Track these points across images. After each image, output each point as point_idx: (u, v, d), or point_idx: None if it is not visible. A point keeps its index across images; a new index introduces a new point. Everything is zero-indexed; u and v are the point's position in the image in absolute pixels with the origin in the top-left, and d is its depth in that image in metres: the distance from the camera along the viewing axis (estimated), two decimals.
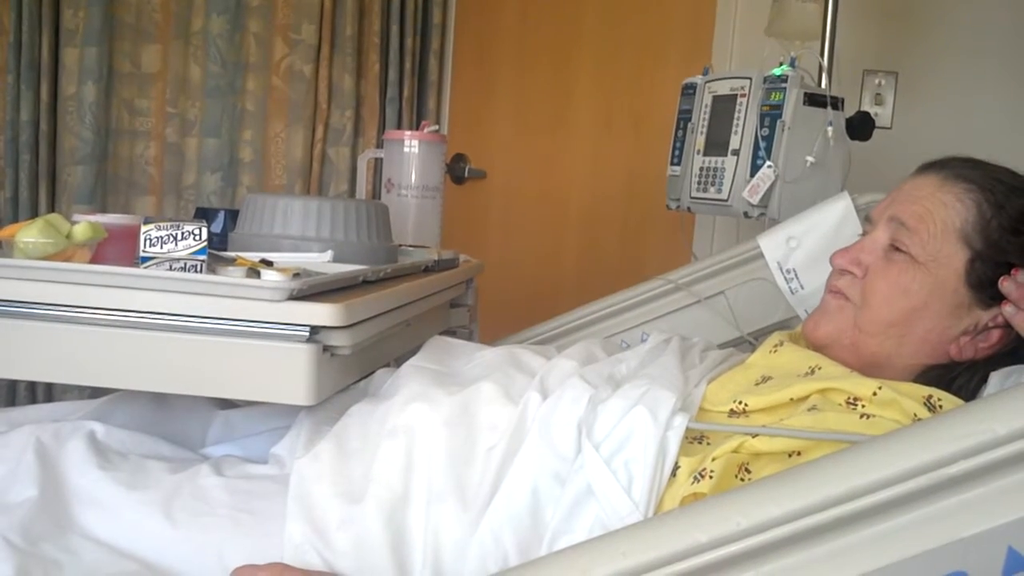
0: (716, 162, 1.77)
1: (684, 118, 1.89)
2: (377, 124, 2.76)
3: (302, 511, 0.99)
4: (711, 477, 0.93)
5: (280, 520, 0.99)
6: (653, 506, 0.94)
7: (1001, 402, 0.71)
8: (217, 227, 1.47)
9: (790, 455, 0.96)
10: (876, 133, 1.87)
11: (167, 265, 1.01)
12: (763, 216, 1.70)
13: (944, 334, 1.12)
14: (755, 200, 1.68)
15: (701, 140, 1.82)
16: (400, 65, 2.77)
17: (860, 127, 1.80)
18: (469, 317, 1.70)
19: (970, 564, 0.69)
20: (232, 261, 1.09)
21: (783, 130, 1.67)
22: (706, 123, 1.82)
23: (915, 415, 0.98)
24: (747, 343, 1.55)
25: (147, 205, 2.68)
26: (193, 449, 1.20)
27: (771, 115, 1.68)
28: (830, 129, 1.68)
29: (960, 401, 1.03)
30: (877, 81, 2.40)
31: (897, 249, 1.14)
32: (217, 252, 1.15)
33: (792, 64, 1.70)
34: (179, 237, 1.02)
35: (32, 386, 2.54)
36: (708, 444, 1.00)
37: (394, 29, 2.74)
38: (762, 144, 1.68)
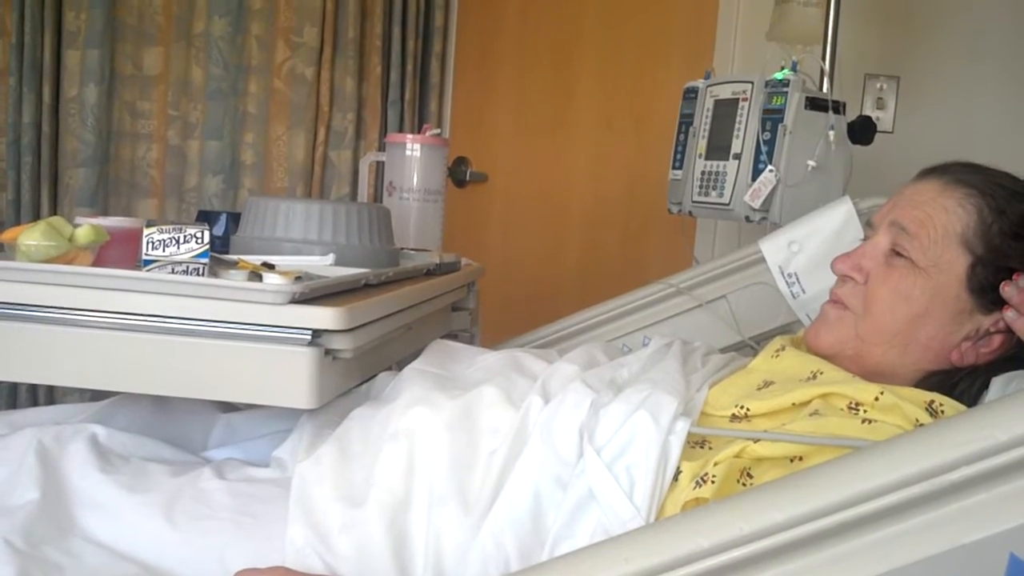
0: (718, 166, 1.77)
1: (686, 122, 1.89)
2: (379, 127, 2.76)
3: (304, 514, 0.99)
4: (713, 482, 0.93)
5: (282, 524, 0.99)
6: (655, 511, 0.94)
7: (1003, 408, 0.71)
8: (219, 230, 1.47)
9: (792, 460, 0.96)
10: (878, 137, 1.87)
11: (169, 268, 1.01)
12: (764, 220, 1.70)
13: (946, 340, 1.12)
14: (757, 204, 1.68)
15: (703, 144, 1.82)
16: (402, 68, 2.77)
17: (862, 131, 1.80)
18: (470, 321, 1.70)
19: (972, 570, 0.69)
20: (234, 264, 1.09)
21: (785, 134, 1.67)
22: (708, 127, 1.82)
23: (917, 420, 0.98)
24: (749, 347, 1.55)
25: (149, 207, 2.68)
26: (195, 452, 1.20)
27: (773, 119, 1.68)
28: (832, 133, 1.68)
29: (962, 406, 1.03)
30: (879, 85, 2.40)
31: (898, 254, 1.14)
32: (219, 255, 1.15)
33: (794, 68, 1.70)
34: (181, 240, 1.02)
35: (33, 389, 2.54)
36: (710, 449, 1.00)
37: (396, 32, 2.75)
38: (764, 148, 1.68)
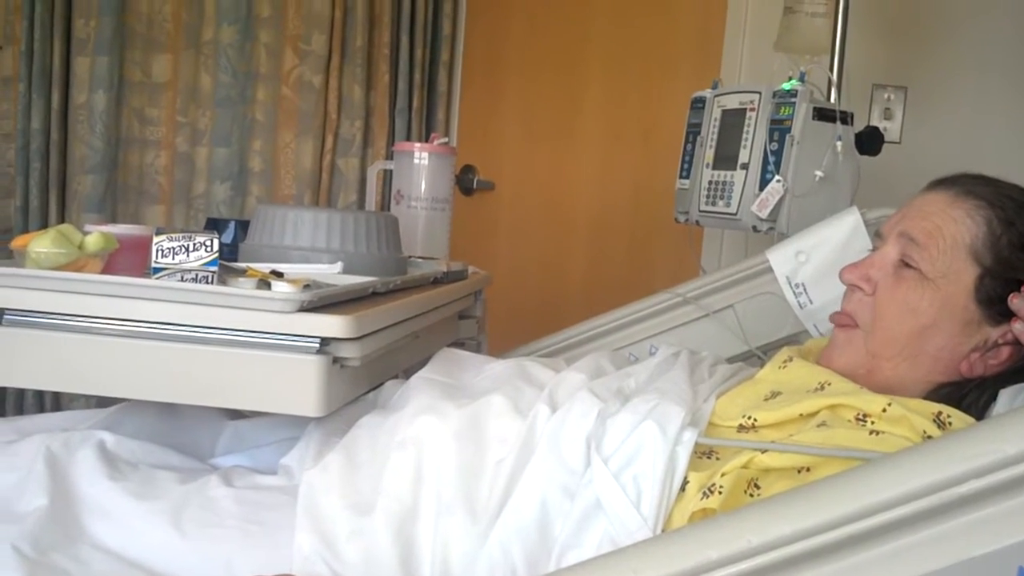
0: (725, 176, 1.77)
1: (693, 132, 1.89)
2: (386, 135, 2.77)
3: (311, 522, 0.99)
4: (720, 492, 0.93)
5: (289, 531, 0.99)
6: (662, 521, 0.94)
7: (1011, 422, 0.71)
8: (227, 238, 1.48)
9: (799, 471, 0.96)
10: (885, 148, 1.87)
11: (179, 276, 1.02)
12: (772, 230, 1.70)
13: (955, 351, 1.12)
14: (764, 214, 1.68)
15: (710, 154, 1.83)
16: (410, 76, 2.78)
17: (869, 142, 1.80)
18: (477, 329, 1.70)
19: None
20: (243, 272, 1.10)
21: (792, 144, 1.67)
22: (715, 137, 1.82)
23: (925, 432, 0.98)
24: (756, 357, 1.54)
25: (156, 214, 2.69)
26: (202, 459, 1.20)
27: (780, 129, 1.68)
28: (839, 144, 1.68)
29: (969, 418, 1.03)
30: (886, 96, 2.40)
31: (907, 265, 1.14)
32: (228, 263, 1.15)
33: (801, 78, 1.70)
34: (191, 248, 1.02)
35: (40, 395, 2.55)
36: (717, 459, 1.00)
37: (404, 40, 2.75)
38: (771, 158, 1.68)
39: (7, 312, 1.01)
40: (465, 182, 2.92)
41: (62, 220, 2.53)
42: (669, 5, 2.65)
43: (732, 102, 1.80)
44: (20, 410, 2.53)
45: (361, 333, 1.01)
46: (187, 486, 1.07)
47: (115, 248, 1.06)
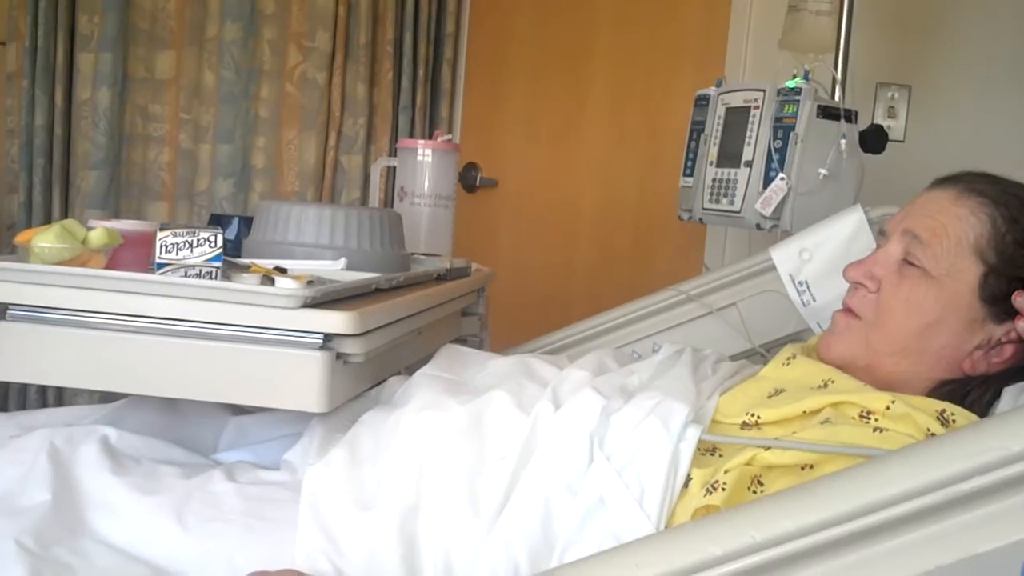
0: (729, 174, 1.77)
1: (697, 129, 1.89)
2: (390, 132, 2.77)
3: (314, 518, 0.99)
4: (723, 489, 0.93)
5: (292, 527, 0.99)
6: (665, 518, 0.94)
7: (1016, 419, 0.71)
8: (231, 234, 1.48)
9: (803, 468, 0.96)
10: (889, 146, 1.86)
11: (182, 271, 1.02)
12: (775, 228, 1.70)
13: (959, 349, 1.12)
14: (768, 212, 1.68)
15: (714, 151, 1.82)
16: (413, 73, 2.78)
17: (873, 140, 1.80)
18: (480, 326, 1.70)
19: None
20: (246, 268, 1.10)
21: (796, 142, 1.67)
22: (719, 134, 1.82)
23: (928, 430, 0.98)
24: (759, 355, 1.54)
25: (160, 210, 2.69)
26: (205, 455, 1.20)
27: (784, 127, 1.68)
28: (843, 142, 1.68)
29: (973, 416, 1.03)
30: (890, 94, 2.40)
31: (911, 263, 1.14)
32: (231, 259, 1.15)
33: (805, 77, 1.70)
34: (195, 244, 1.02)
35: (43, 390, 2.55)
36: (720, 456, 1.00)
37: (407, 37, 2.75)
38: (775, 156, 1.68)
39: (10, 307, 1.01)
40: (468, 179, 2.92)
41: (65, 216, 2.53)
42: (674, 3, 2.65)
43: (736, 100, 1.80)
44: (23, 405, 2.53)
45: (364, 329, 1.01)
46: (190, 481, 1.07)
47: (119, 244, 1.06)
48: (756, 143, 1.72)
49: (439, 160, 1.69)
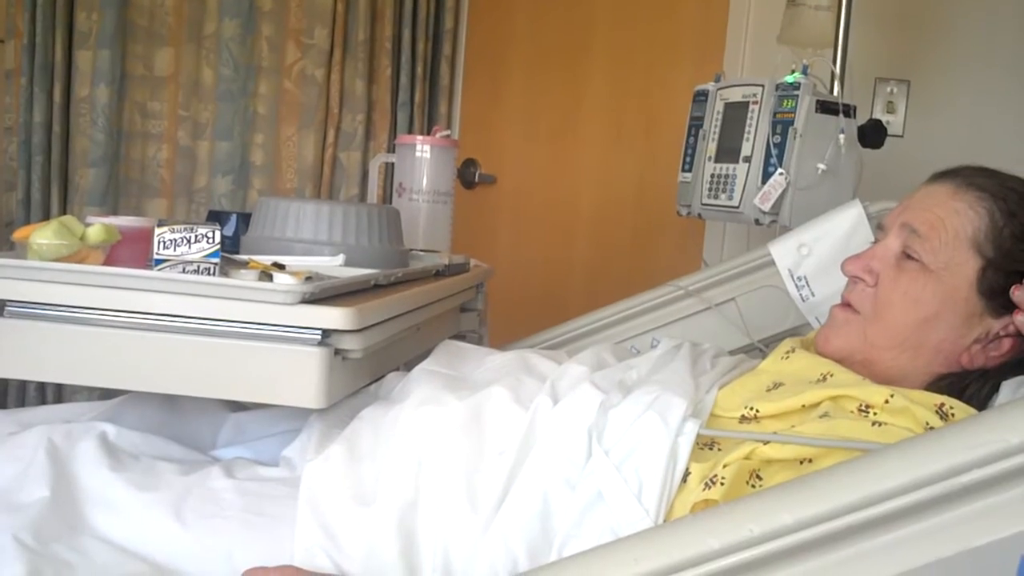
0: (727, 169, 1.77)
1: (696, 124, 1.88)
2: (388, 128, 2.77)
3: (313, 514, 0.99)
4: (722, 484, 0.93)
5: (290, 523, 0.99)
6: (663, 512, 0.94)
7: (1014, 412, 0.71)
8: (229, 230, 1.48)
9: (801, 462, 0.96)
10: (888, 141, 1.86)
11: (180, 268, 1.02)
12: (774, 223, 1.69)
13: (957, 343, 1.12)
14: (766, 207, 1.67)
15: (712, 147, 1.82)
16: (412, 70, 2.78)
17: (872, 135, 1.80)
18: (479, 322, 1.70)
19: (982, 573, 0.69)
20: (245, 264, 1.10)
21: (795, 137, 1.66)
22: (718, 130, 1.82)
23: (927, 423, 0.98)
24: (758, 350, 1.54)
25: (158, 207, 2.69)
26: (204, 451, 1.20)
27: (783, 122, 1.68)
28: (842, 137, 1.68)
29: (972, 410, 1.02)
30: (889, 89, 2.40)
31: (909, 257, 1.14)
32: (230, 255, 1.15)
33: (804, 71, 1.70)
34: (192, 240, 1.02)
35: (42, 387, 2.55)
36: (719, 450, 1.00)
37: (406, 34, 2.75)
38: (774, 151, 1.68)
39: (9, 304, 1.01)
40: (467, 175, 2.92)
41: (64, 213, 2.52)
42: None
43: (735, 95, 1.80)
44: (22, 402, 2.53)
45: (363, 325, 1.01)
46: (188, 477, 1.07)
47: (117, 240, 1.06)
48: (755, 138, 1.72)
49: (437, 156, 1.69)
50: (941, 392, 1.05)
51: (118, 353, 1.01)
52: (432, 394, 1.10)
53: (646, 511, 0.93)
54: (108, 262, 1.05)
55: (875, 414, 1.00)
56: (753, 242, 2.04)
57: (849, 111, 1.71)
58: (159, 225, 1.03)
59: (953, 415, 1.00)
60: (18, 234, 1.03)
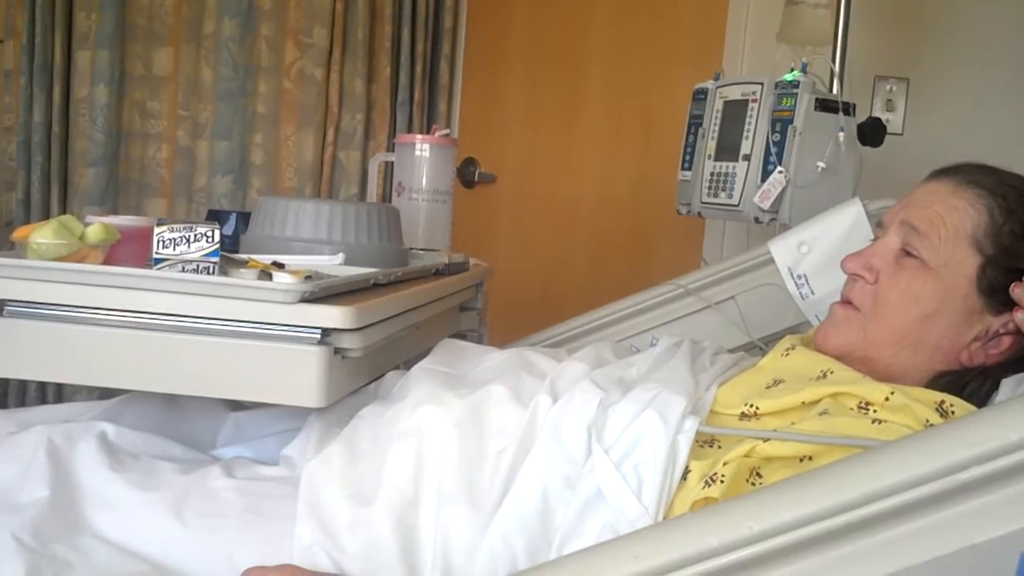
0: (727, 167, 1.77)
1: (695, 123, 1.89)
2: (387, 128, 2.76)
3: (312, 513, 0.99)
4: (722, 481, 0.93)
5: (290, 522, 0.99)
6: (663, 510, 0.94)
7: (1013, 409, 0.71)
8: (229, 229, 1.48)
9: (801, 460, 0.96)
10: (887, 139, 1.86)
11: (180, 267, 1.02)
12: (774, 221, 1.70)
13: (956, 340, 1.11)
14: (766, 205, 1.68)
15: (712, 145, 1.82)
16: (411, 69, 2.77)
17: (871, 133, 1.80)
18: (479, 320, 1.70)
19: (982, 570, 0.69)
20: (244, 263, 1.10)
21: (794, 135, 1.66)
22: (717, 128, 1.82)
23: (927, 421, 0.98)
24: (757, 348, 1.54)
25: (158, 207, 2.69)
26: (203, 451, 1.20)
27: (782, 120, 1.68)
28: (841, 135, 1.68)
29: (972, 407, 1.02)
30: (888, 87, 2.40)
31: (908, 254, 1.14)
32: (229, 254, 1.15)
33: (804, 70, 1.70)
34: (192, 239, 1.02)
35: (42, 386, 2.55)
36: (719, 448, 1.00)
37: (405, 33, 2.75)
38: (773, 149, 1.68)
39: (9, 303, 1.01)
40: (466, 175, 2.92)
41: (63, 213, 2.52)
42: None
43: (734, 93, 1.80)
44: (22, 402, 2.53)
45: (362, 324, 1.01)
46: (188, 477, 1.07)
47: (116, 239, 1.06)
48: (754, 136, 1.72)
49: (437, 155, 1.69)
50: (941, 389, 1.05)
51: (118, 353, 1.01)
52: (432, 393, 1.10)
53: (645, 509, 0.93)
54: (107, 261, 1.05)
55: (875, 411, 1.00)
56: (753, 240, 2.04)
57: (848, 109, 1.71)
58: (158, 224, 1.03)
59: (953, 412, 1.00)
60: (18, 234, 1.03)
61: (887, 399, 1.00)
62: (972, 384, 1.10)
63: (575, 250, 2.83)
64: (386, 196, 2.42)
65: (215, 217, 1.53)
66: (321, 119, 2.70)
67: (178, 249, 1.02)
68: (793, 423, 1.02)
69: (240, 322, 0.99)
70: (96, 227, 1.05)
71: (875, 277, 1.16)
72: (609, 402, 1.03)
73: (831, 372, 1.09)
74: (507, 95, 2.91)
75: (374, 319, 1.06)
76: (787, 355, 1.17)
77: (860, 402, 1.01)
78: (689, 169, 1.89)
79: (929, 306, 1.11)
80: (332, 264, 1.25)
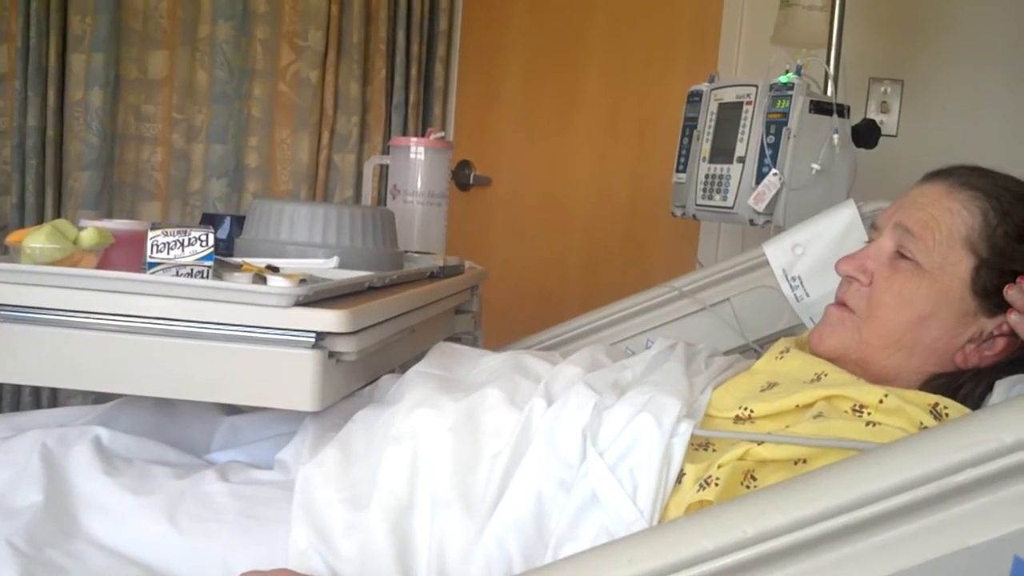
0: (722, 169, 1.77)
1: (690, 125, 1.89)
2: (383, 130, 2.76)
3: (307, 517, 0.99)
4: (717, 484, 0.93)
5: (285, 526, 0.99)
6: (658, 513, 0.94)
7: (1008, 411, 0.71)
8: (223, 233, 1.48)
9: (796, 463, 0.96)
10: (882, 141, 1.86)
11: (174, 271, 1.01)
12: (768, 224, 1.70)
13: (951, 343, 1.12)
14: (760, 208, 1.68)
15: (707, 147, 1.82)
16: (406, 72, 2.77)
17: (866, 135, 1.80)
18: (474, 323, 1.70)
19: (976, 573, 0.69)
20: (238, 267, 1.09)
21: (789, 137, 1.67)
22: (712, 130, 1.82)
23: (921, 423, 0.98)
24: (752, 351, 1.54)
25: (153, 211, 2.68)
26: (198, 455, 1.20)
27: (777, 123, 1.68)
28: (836, 137, 1.68)
29: (966, 409, 1.02)
30: (883, 89, 2.40)
31: (903, 256, 1.14)
32: (223, 258, 1.15)
33: (798, 72, 1.70)
34: (186, 243, 1.02)
35: (36, 391, 2.54)
36: (714, 451, 1.00)
37: (400, 36, 2.75)
38: (768, 151, 1.68)
39: (2, 308, 1.01)
40: (461, 177, 2.92)
41: (58, 217, 2.51)
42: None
43: (729, 95, 1.80)
44: (17, 406, 2.52)
45: (357, 328, 1.01)
46: (183, 481, 1.06)
47: (110, 243, 1.06)
48: (749, 139, 1.72)
49: (432, 158, 1.69)
50: (935, 392, 1.05)
51: (112, 357, 1.01)
52: (426, 396, 1.10)
53: (640, 512, 0.93)
54: (101, 265, 1.04)
55: (869, 414, 1.00)
56: (748, 243, 2.05)
57: (843, 111, 1.71)
58: (152, 228, 1.03)
59: (947, 415, 1.00)
60: (11, 238, 1.03)
61: (881, 401, 1.00)
62: (966, 386, 1.10)
63: (570, 253, 2.83)
64: (381, 199, 2.42)
65: (209, 220, 1.53)
66: (316, 122, 2.69)
67: (172, 253, 1.02)
68: (788, 426, 1.02)
69: (234, 326, 0.99)
70: (90, 231, 1.05)
71: (869, 279, 1.16)
72: (604, 405, 1.03)
73: (825, 375, 1.09)
74: (502, 97, 2.91)
75: (369, 322, 1.06)
76: (781, 358, 1.18)
77: (854, 405, 1.02)
78: (684, 171, 1.89)
79: (923, 308, 1.11)
80: (327, 267, 1.25)
